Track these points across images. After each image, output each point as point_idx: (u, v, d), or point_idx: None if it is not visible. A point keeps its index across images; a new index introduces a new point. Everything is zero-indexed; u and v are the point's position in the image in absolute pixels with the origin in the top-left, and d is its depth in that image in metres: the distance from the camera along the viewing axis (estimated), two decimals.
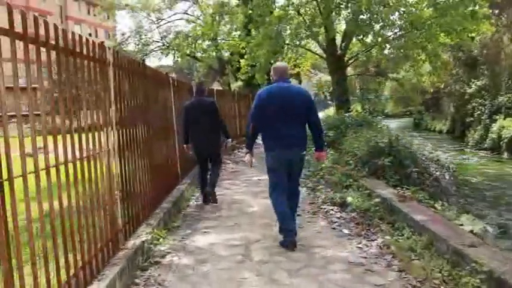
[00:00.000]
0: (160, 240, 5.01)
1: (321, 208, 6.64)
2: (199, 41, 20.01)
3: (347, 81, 17.12)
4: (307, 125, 5.08)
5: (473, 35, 14.92)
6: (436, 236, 4.54)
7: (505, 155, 21.80)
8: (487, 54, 25.75)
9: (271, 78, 5.28)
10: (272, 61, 17.05)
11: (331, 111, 38.51)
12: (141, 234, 4.61)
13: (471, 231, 5.55)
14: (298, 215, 5.70)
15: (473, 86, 26.69)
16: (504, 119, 23.06)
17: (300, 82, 35.05)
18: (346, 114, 13.22)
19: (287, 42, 14.96)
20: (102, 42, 5.10)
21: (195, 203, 7.18)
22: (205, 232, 5.56)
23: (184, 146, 7.22)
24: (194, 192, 7.85)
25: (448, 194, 9.16)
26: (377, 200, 6.15)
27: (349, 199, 6.65)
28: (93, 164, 3.65)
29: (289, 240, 4.86)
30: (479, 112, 26.03)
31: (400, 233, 5.16)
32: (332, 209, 6.52)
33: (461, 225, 6.05)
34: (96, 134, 3.81)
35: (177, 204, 6.42)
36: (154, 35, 23.30)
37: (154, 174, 5.91)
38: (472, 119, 26.74)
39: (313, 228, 5.67)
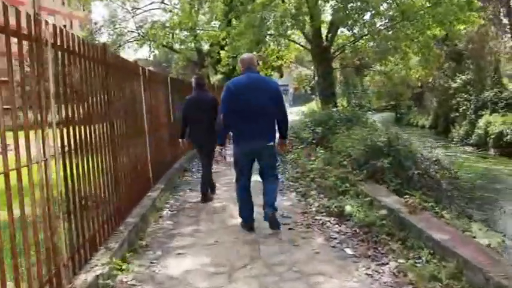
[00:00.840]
0: (124, 266, 4.01)
1: (316, 219, 5.70)
2: (177, 31, 18.78)
3: (333, 74, 16.21)
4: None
5: (463, 26, 14.19)
6: (466, 263, 3.64)
7: (492, 151, 21.29)
8: (472, 48, 25.21)
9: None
10: (254, 52, 16.10)
11: (312, 105, 37.71)
12: (96, 265, 3.59)
13: (488, 246, 4.75)
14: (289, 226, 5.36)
15: (458, 80, 26.16)
16: (490, 114, 22.55)
17: (282, 75, 34.18)
18: (334, 109, 12.34)
19: (271, 31, 13.98)
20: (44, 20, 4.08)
21: (169, 212, 6.17)
22: (179, 254, 4.56)
23: (180, 140, 7.19)
24: (168, 198, 6.85)
25: (450, 197, 8.36)
26: (383, 212, 5.23)
27: (348, 208, 5.75)
28: (18, 180, 2.63)
29: (247, 225, 5.22)
30: (464, 107, 25.49)
31: (417, 254, 4.26)
32: (329, 221, 5.60)
33: (474, 237, 5.25)
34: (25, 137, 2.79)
35: (146, 216, 5.40)
36: (129, 25, 22.10)
37: (119, 182, 4.89)
38: (456, 114, 26.21)
39: (309, 246, 4.73)
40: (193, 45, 20.40)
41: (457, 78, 26.03)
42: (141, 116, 6.40)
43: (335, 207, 5.87)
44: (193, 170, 9.60)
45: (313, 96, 48.13)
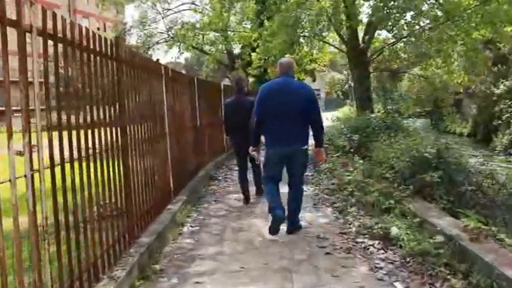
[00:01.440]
0: None
1: (357, 242, 4.94)
2: (207, 32, 18.20)
3: (369, 78, 15.33)
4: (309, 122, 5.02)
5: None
6: None
7: None
8: None
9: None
10: (287, 54, 15.40)
11: (345, 110, 36.76)
12: None
13: None
14: (326, 250, 4.69)
15: (501, 86, 24.77)
16: None
17: (314, 79, 33.32)
18: (372, 115, 11.49)
19: (306, 32, 13.23)
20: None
21: (190, 228, 5.51)
22: (197, 283, 3.88)
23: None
24: (191, 212, 6.20)
25: (506, 216, 7.43)
26: (439, 238, 4.42)
27: (395, 230, 4.96)
28: None
29: (277, 215, 4.97)
30: (508, 115, 24.13)
31: None
32: (372, 245, 4.83)
33: None
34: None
35: (164, 234, 4.76)
36: (159, 26, 21.71)
37: (130, 196, 4.26)
38: (499, 121, 24.85)
39: (351, 278, 3.99)
40: (223, 46, 19.78)
41: (501, 84, 24.67)
42: (161, 120, 5.78)
43: (379, 228, 5.09)
44: (220, 178, 8.96)
45: (346, 101, 47.17)
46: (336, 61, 29.29)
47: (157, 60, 6.34)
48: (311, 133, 5.14)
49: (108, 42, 3.82)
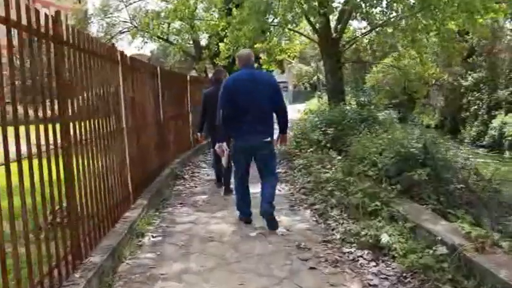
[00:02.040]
0: None
1: (343, 253, 4.34)
2: (172, 20, 17.19)
3: (342, 69, 14.81)
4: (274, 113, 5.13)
5: (488, 17, 12.78)
6: None
7: (507, 153, 20.01)
8: (484, 44, 23.79)
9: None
10: (257, 44, 14.72)
11: (314, 102, 36.32)
12: None
13: None
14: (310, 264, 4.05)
15: (469, 78, 24.80)
16: (506, 114, 21.24)
17: (283, 71, 32.81)
18: (347, 108, 10.97)
19: (277, 20, 12.50)
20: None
21: (152, 239, 4.78)
22: None
23: (198, 134, 7.51)
24: (153, 218, 5.46)
25: (492, 214, 7.01)
26: (441, 249, 3.84)
27: (385, 238, 4.38)
28: None
29: (244, 218, 5.23)
30: (475, 107, 24.20)
31: None
32: (361, 256, 4.24)
33: None
34: None
35: (118, 250, 4.02)
36: (122, 15, 20.55)
37: (76, 207, 3.51)
38: (467, 113, 24.91)
39: None
40: (190, 36, 18.78)
41: (469, 76, 24.68)
42: (117, 114, 5.00)
43: (368, 236, 4.50)
44: (186, 176, 8.21)
45: (315, 93, 46.85)
46: (305, 52, 28.75)
47: (113, 45, 5.54)
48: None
49: (43, 17, 3.04)
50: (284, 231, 4.99)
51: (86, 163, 3.79)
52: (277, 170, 8.43)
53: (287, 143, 5.77)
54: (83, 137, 3.75)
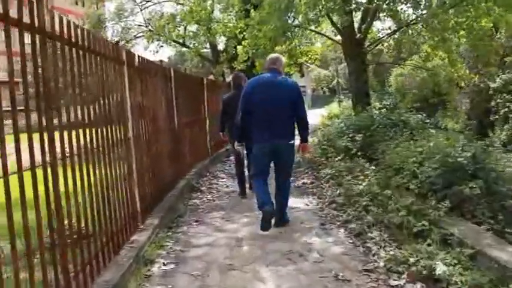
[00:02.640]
0: None
1: (391, 286, 3.59)
2: (189, 23, 16.52)
3: (367, 71, 14.02)
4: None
5: None
6: None
7: None
8: None
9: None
10: (277, 46, 14.01)
11: (333, 107, 35.40)
12: None
13: None
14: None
15: (497, 79, 23.67)
16: None
17: (303, 75, 32.09)
18: (375, 112, 10.19)
19: (299, 18, 11.75)
20: None
21: (163, 267, 4.09)
22: None
23: (220, 133, 7.36)
24: (164, 240, 4.77)
25: None
26: None
27: (441, 268, 3.63)
28: None
29: (267, 211, 4.82)
30: (505, 109, 23.07)
31: None
32: None
33: None
34: None
35: (121, 285, 3.33)
36: (137, 19, 20.07)
37: (64, 238, 2.84)
38: (496, 116, 23.78)
39: None
40: (206, 39, 18.10)
41: (496, 77, 23.56)
42: (123, 122, 4.35)
43: (419, 264, 3.75)
44: (204, 188, 7.53)
45: (335, 98, 45.87)
46: (325, 55, 27.92)
47: (117, 42, 4.90)
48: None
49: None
50: (317, 256, 4.27)
51: (79, 182, 3.13)
52: (303, 180, 7.84)
53: (310, 150, 5.70)
54: (75, 149, 3.08)
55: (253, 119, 4.97)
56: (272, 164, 5.22)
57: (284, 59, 5.63)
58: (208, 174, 8.71)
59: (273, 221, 4.97)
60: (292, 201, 6.09)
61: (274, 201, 5.04)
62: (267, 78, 5.03)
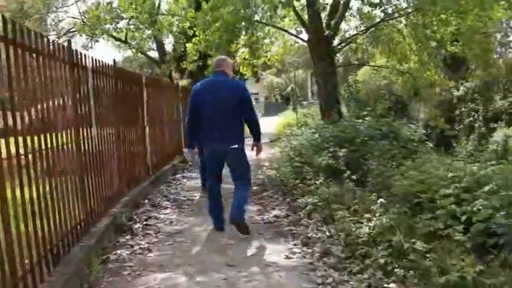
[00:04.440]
0: None
1: None
2: (125, 12, 14.00)
3: (336, 74, 12.17)
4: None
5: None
6: None
7: None
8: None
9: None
10: (234, 44, 11.98)
11: (288, 114, 33.67)
12: None
13: None
14: None
15: (461, 88, 22.69)
16: (508, 127, 19.10)
17: (258, 80, 30.19)
18: (358, 121, 8.33)
19: (263, 7, 9.70)
20: None
21: None
22: None
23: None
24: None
25: None
26: None
27: None
28: None
29: (218, 226, 5.09)
30: (470, 119, 22.08)
31: None
32: None
33: None
34: None
35: None
36: (72, 11, 17.22)
37: None
38: (460, 126, 22.77)
39: None
40: (150, 34, 15.52)
41: (460, 85, 22.56)
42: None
43: None
44: (137, 226, 5.30)
45: (289, 106, 44.27)
46: (281, 60, 26.01)
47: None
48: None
49: None
50: None
51: None
52: (274, 212, 5.82)
53: (261, 150, 5.41)
54: None
55: (202, 122, 4.91)
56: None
57: (231, 61, 5.37)
58: (146, 202, 6.47)
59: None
60: (265, 249, 4.45)
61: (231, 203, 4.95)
62: (213, 81, 5.04)
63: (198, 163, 5.57)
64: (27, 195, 3.04)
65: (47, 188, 3.41)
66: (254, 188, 7.67)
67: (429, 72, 12.60)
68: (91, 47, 16.99)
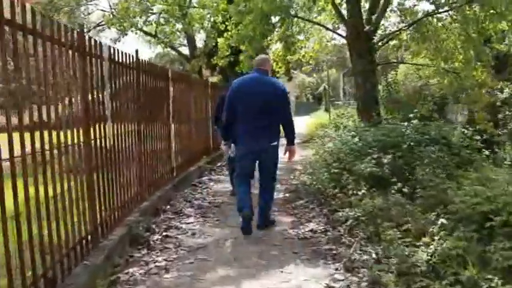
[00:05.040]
0: None
1: None
2: (152, 3, 13.44)
3: (375, 72, 11.35)
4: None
5: None
6: None
7: None
8: None
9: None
10: (268, 39, 11.31)
11: (320, 115, 32.77)
12: None
13: None
14: None
15: (506, 90, 21.39)
16: None
17: (290, 79, 29.50)
18: (404, 124, 7.54)
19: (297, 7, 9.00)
20: None
21: None
22: None
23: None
24: None
25: None
26: None
27: None
28: None
29: (245, 228, 4.78)
30: None
31: None
32: None
33: None
34: None
35: None
36: (102, 4, 16.70)
37: None
38: (505, 131, 21.47)
39: None
40: (181, 27, 14.93)
41: (505, 87, 21.26)
42: None
43: None
44: (155, 239, 4.70)
45: (321, 105, 43.29)
46: (318, 57, 25.18)
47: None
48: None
49: None
50: None
51: None
52: (311, 226, 5.14)
53: (295, 154, 5.31)
54: None
55: (238, 119, 4.88)
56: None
57: (272, 61, 5.02)
58: (167, 208, 5.88)
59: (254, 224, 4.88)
60: (304, 272, 3.81)
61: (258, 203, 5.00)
62: (254, 78, 4.99)
63: (232, 154, 5.23)
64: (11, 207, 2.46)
65: (42, 197, 2.83)
66: (287, 195, 7.01)
67: (475, 72, 11.67)
68: (119, 41, 16.55)
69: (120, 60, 4.84)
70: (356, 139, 7.40)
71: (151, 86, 6.21)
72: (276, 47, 13.72)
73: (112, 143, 4.40)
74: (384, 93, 12.91)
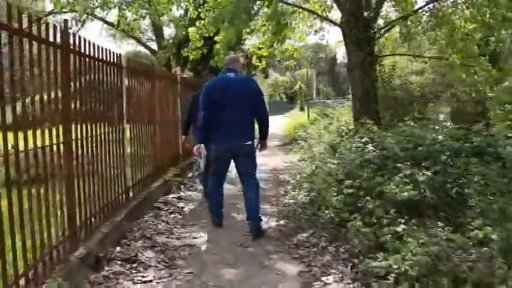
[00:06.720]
0: None
1: None
2: None
3: (375, 66, 9.70)
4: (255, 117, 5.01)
5: None
6: None
7: None
8: None
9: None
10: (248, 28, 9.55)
11: (294, 114, 31.13)
12: None
13: None
14: None
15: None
16: None
17: (267, 76, 27.88)
18: (434, 127, 5.85)
19: None
20: None
21: None
22: None
23: (183, 137, 6.82)
24: None
25: None
26: None
27: None
28: None
29: (217, 222, 5.08)
30: None
31: None
32: None
33: None
34: None
35: None
36: None
37: None
38: None
39: None
40: (142, 12, 12.73)
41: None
42: None
43: None
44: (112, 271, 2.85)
45: (295, 105, 41.81)
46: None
47: None
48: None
49: None
50: None
51: None
52: (330, 283, 3.32)
53: (266, 148, 5.28)
54: None
55: (214, 117, 4.80)
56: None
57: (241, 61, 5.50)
58: (115, 255, 3.99)
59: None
60: None
61: (245, 206, 4.92)
62: (227, 78, 4.95)
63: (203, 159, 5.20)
64: None
65: None
66: (282, 222, 5.26)
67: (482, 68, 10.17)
68: (70, 27, 14.36)
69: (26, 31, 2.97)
70: (370, 146, 5.67)
71: (94, 74, 4.32)
72: (254, 38, 11.93)
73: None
74: (381, 91, 11.27)
